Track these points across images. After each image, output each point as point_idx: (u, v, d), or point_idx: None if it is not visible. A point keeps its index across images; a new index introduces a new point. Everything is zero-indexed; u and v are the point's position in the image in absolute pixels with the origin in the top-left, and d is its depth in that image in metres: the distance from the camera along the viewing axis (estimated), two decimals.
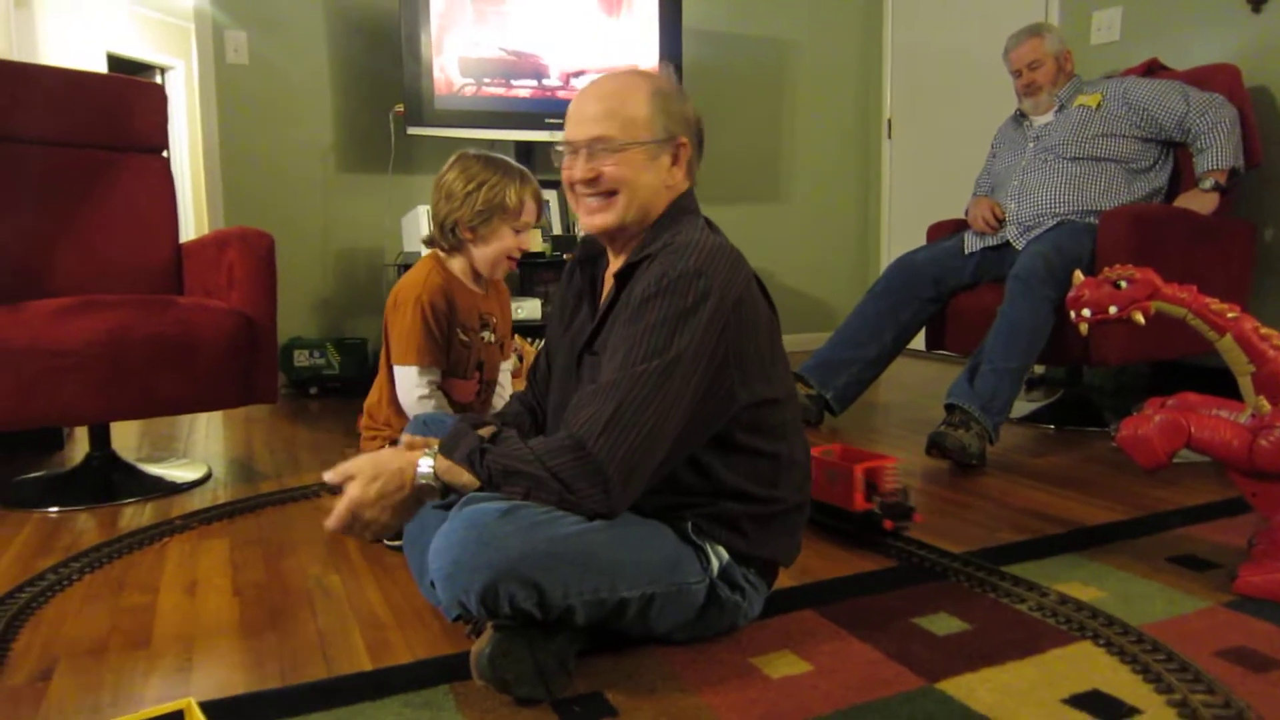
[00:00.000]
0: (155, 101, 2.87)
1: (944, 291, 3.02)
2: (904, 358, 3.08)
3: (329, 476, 1.36)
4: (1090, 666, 1.30)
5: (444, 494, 1.30)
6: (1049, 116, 2.99)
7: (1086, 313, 1.67)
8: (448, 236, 2.02)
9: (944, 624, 1.45)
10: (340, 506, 1.31)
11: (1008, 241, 2.90)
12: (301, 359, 3.92)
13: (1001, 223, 2.93)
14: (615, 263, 1.45)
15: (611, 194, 1.37)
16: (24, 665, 1.41)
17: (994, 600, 1.54)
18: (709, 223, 1.41)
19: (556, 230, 4.19)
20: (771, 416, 1.37)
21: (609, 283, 1.43)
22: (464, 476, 1.28)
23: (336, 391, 3.98)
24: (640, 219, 1.39)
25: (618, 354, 1.25)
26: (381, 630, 1.52)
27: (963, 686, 1.25)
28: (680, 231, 1.33)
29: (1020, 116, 3.10)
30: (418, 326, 1.98)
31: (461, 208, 1.97)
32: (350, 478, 1.32)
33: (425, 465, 1.30)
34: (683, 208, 1.41)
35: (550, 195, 4.24)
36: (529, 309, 3.87)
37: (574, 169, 1.38)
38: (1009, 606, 1.52)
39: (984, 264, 2.98)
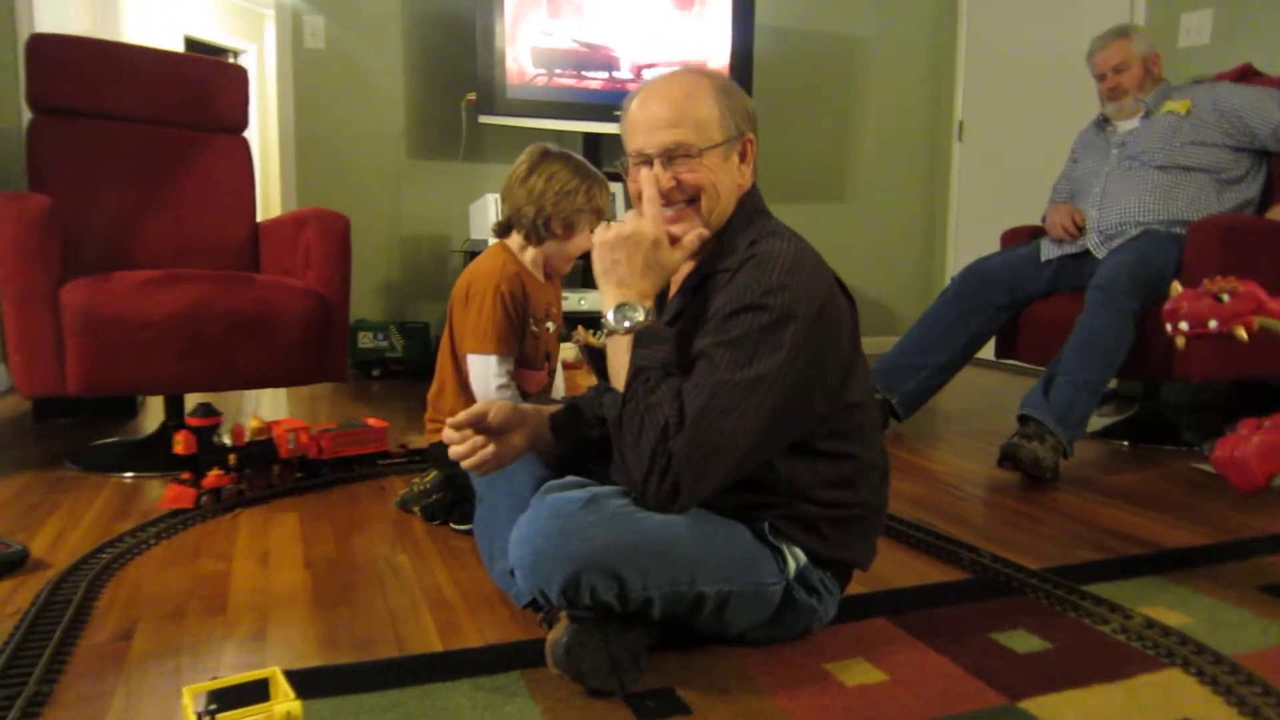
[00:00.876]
0: (238, 83, 2.92)
1: (1018, 299, 2.96)
2: (970, 366, 3.02)
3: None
4: (1181, 695, 1.25)
5: (594, 358, 1.31)
6: (1134, 122, 2.91)
7: (1184, 325, 1.61)
8: (537, 230, 1.99)
9: (1023, 641, 1.41)
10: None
11: (1087, 250, 2.83)
12: (365, 341, 3.97)
13: (1081, 230, 2.86)
14: (687, 264, 1.43)
15: (691, 201, 1.34)
16: (106, 624, 1.44)
17: (1075, 620, 1.50)
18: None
19: None
20: (850, 420, 1.34)
21: (675, 284, 1.41)
22: (622, 365, 1.26)
23: (399, 374, 4.02)
24: (719, 223, 1.37)
25: (701, 365, 1.22)
26: (451, 612, 1.52)
27: (1046, 707, 1.21)
28: (760, 240, 1.30)
29: (1103, 122, 3.02)
30: (498, 315, 1.95)
31: (561, 204, 1.96)
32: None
33: (639, 313, 1.28)
34: (753, 208, 1.38)
35: (616, 189, 4.23)
36: (592, 300, 3.86)
37: (648, 179, 1.33)
38: (1091, 627, 1.47)
39: (1061, 272, 2.91)
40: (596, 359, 1.33)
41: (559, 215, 1.96)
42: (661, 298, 1.45)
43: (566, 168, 1.97)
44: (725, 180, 1.35)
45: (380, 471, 2.39)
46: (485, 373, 1.95)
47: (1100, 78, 2.94)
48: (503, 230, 2.07)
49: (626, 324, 1.27)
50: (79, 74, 2.63)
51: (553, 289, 2.16)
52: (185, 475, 2.07)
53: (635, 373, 1.23)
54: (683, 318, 1.34)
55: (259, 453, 2.19)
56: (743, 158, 1.37)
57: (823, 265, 1.30)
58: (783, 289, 1.22)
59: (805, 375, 1.24)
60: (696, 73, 1.39)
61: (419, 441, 2.48)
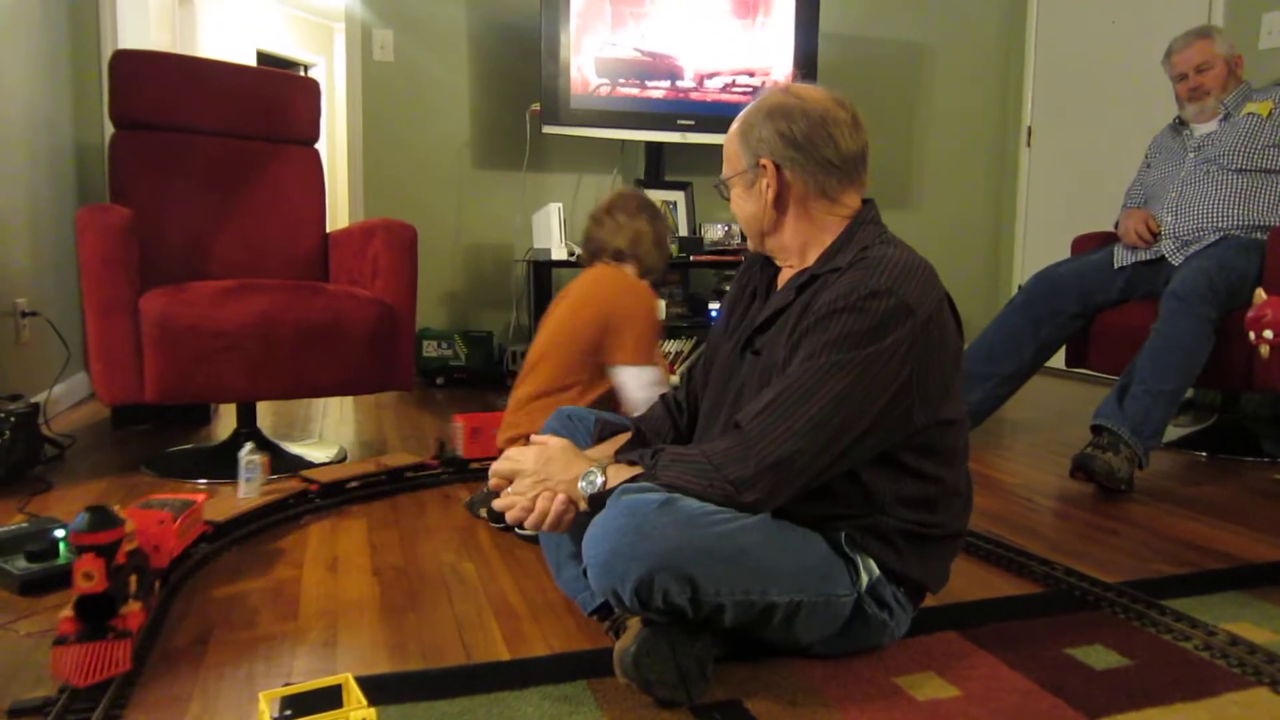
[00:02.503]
0: (311, 96, 2.98)
1: (1089, 307, 2.89)
2: (1040, 375, 2.95)
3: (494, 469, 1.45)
4: (1269, 715, 1.21)
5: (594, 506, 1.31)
6: (1212, 125, 2.82)
7: (1268, 334, 1.56)
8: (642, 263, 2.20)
9: (1101, 657, 1.38)
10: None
11: (1162, 256, 2.75)
12: (430, 349, 4.02)
13: (1156, 236, 2.78)
14: (788, 269, 1.44)
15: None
16: (182, 629, 1.48)
17: (1154, 636, 1.45)
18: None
19: (683, 231, 4.18)
20: (943, 440, 1.32)
21: (781, 280, 1.42)
22: (625, 472, 1.30)
23: (462, 382, 4.06)
24: (774, 249, 1.41)
25: (795, 359, 1.24)
26: (517, 620, 1.53)
27: None
28: (873, 245, 1.30)
29: (1179, 125, 2.93)
30: (654, 328, 2.12)
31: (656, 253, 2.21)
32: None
33: (596, 476, 1.34)
34: (863, 219, 1.37)
35: (677, 197, 4.24)
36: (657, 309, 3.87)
37: None
38: (1172, 644, 1.43)
39: (1135, 279, 2.83)
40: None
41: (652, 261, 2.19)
42: (768, 294, 1.45)
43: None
44: (748, 209, 1.41)
45: (445, 479, 2.42)
46: (645, 382, 2.06)
47: (1180, 78, 2.86)
48: (596, 255, 2.22)
49: (599, 481, 1.33)
50: (159, 89, 2.71)
51: None
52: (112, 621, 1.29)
53: (656, 464, 1.28)
54: (784, 314, 1.34)
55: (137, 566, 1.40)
56: (770, 185, 1.36)
57: (936, 280, 1.29)
58: (889, 293, 1.22)
59: (906, 382, 1.23)
60: (757, 99, 1.41)
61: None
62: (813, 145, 1.34)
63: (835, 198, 1.36)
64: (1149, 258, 2.79)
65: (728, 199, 1.44)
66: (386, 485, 2.33)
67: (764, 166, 1.36)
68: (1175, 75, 2.87)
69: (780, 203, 1.37)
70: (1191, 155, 2.81)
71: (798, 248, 1.38)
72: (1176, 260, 2.69)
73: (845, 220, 1.37)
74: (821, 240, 1.37)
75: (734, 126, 1.41)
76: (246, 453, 2.17)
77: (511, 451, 1.44)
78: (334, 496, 2.22)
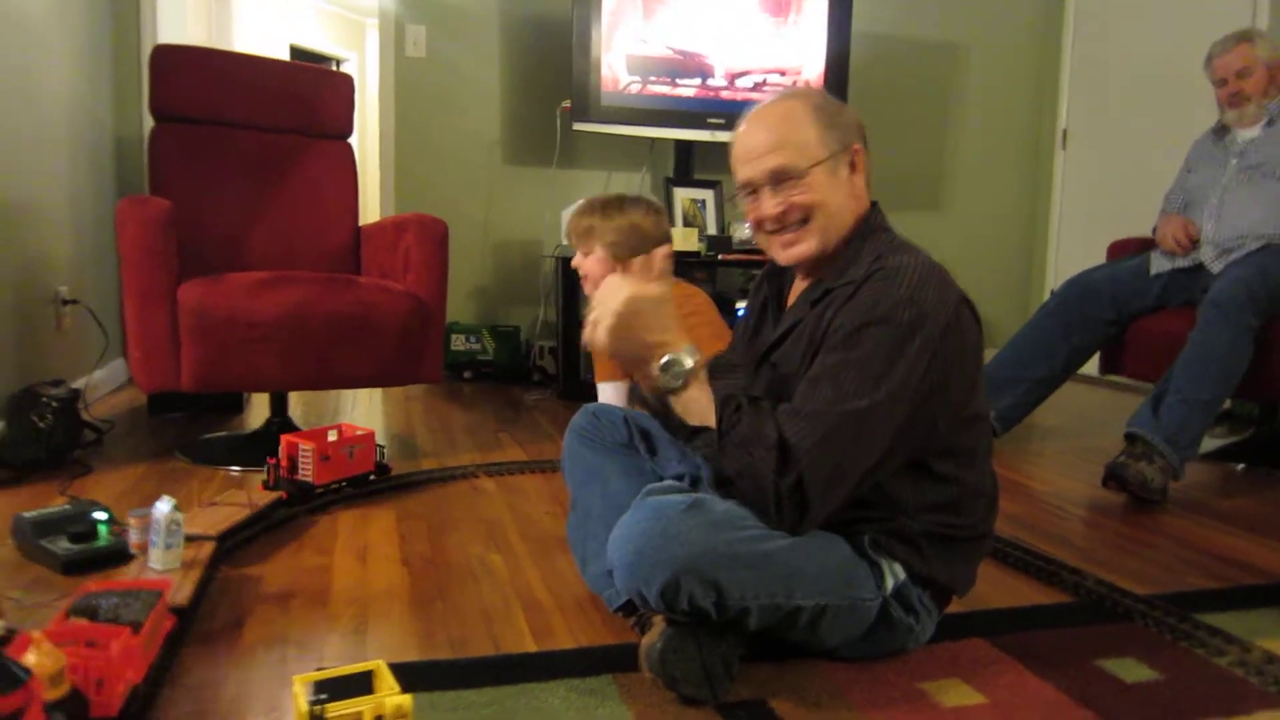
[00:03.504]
0: (344, 91, 3.01)
1: (1124, 314, 2.85)
2: (1073, 381, 2.92)
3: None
4: None
5: (661, 407, 1.29)
6: (1255, 131, 2.78)
7: None
8: None
9: (1131, 670, 1.36)
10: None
11: (1201, 264, 2.72)
12: (458, 343, 4.04)
13: (1195, 243, 2.75)
14: (802, 281, 1.42)
15: (805, 221, 1.33)
16: (219, 613, 1.50)
17: (1187, 650, 1.44)
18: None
19: (711, 230, 4.18)
20: (963, 441, 1.32)
21: (793, 297, 1.41)
22: (701, 406, 1.27)
23: (489, 377, 4.08)
24: (837, 240, 1.35)
25: (824, 383, 1.22)
26: (543, 614, 1.54)
27: None
28: (887, 254, 1.29)
29: (1221, 130, 2.89)
30: None
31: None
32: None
33: (688, 360, 1.27)
34: (875, 225, 1.37)
35: (706, 195, 4.24)
36: None
37: (761, 206, 1.35)
38: (1206, 659, 1.41)
39: (1172, 287, 2.80)
40: (650, 405, 1.32)
41: None
42: (778, 306, 1.44)
43: None
44: (837, 195, 1.34)
45: (472, 472, 2.44)
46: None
47: (1220, 83, 2.82)
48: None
49: (685, 372, 1.26)
50: (197, 83, 2.75)
51: None
52: None
53: (723, 401, 1.25)
54: (799, 329, 1.33)
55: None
56: (853, 168, 1.36)
57: (950, 281, 1.29)
58: (910, 303, 1.21)
59: (930, 392, 1.23)
60: (792, 95, 1.39)
61: None
62: (865, 134, 1.38)
63: (865, 195, 1.39)
64: (1187, 265, 2.76)
65: (738, 205, 1.37)
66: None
67: (857, 151, 1.36)
68: (1216, 80, 2.84)
69: (856, 191, 1.37)
70: (1234, 161, 2.77)
71: (835, 245, 1.36)
72: (1216, 268, 2.66)
73: (860, 220, 1.37)
74: (842, 226, 1.35)
75: (800, 116, 1.33)
76: (165, 512, 1.60)
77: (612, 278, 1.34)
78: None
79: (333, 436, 2.19)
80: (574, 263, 2.08)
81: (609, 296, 1.27)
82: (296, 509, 2.05)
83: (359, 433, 2.24)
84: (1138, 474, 2.27)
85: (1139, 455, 2.31)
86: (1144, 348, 2.83)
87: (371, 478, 2.26)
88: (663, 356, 1.26)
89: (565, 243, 2.12)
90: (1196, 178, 2.90)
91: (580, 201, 2.10)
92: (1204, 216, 2.75)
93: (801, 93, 1.40)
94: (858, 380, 1.20)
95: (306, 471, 2.11)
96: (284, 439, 2.12)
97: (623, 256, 2.02)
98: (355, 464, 2.22)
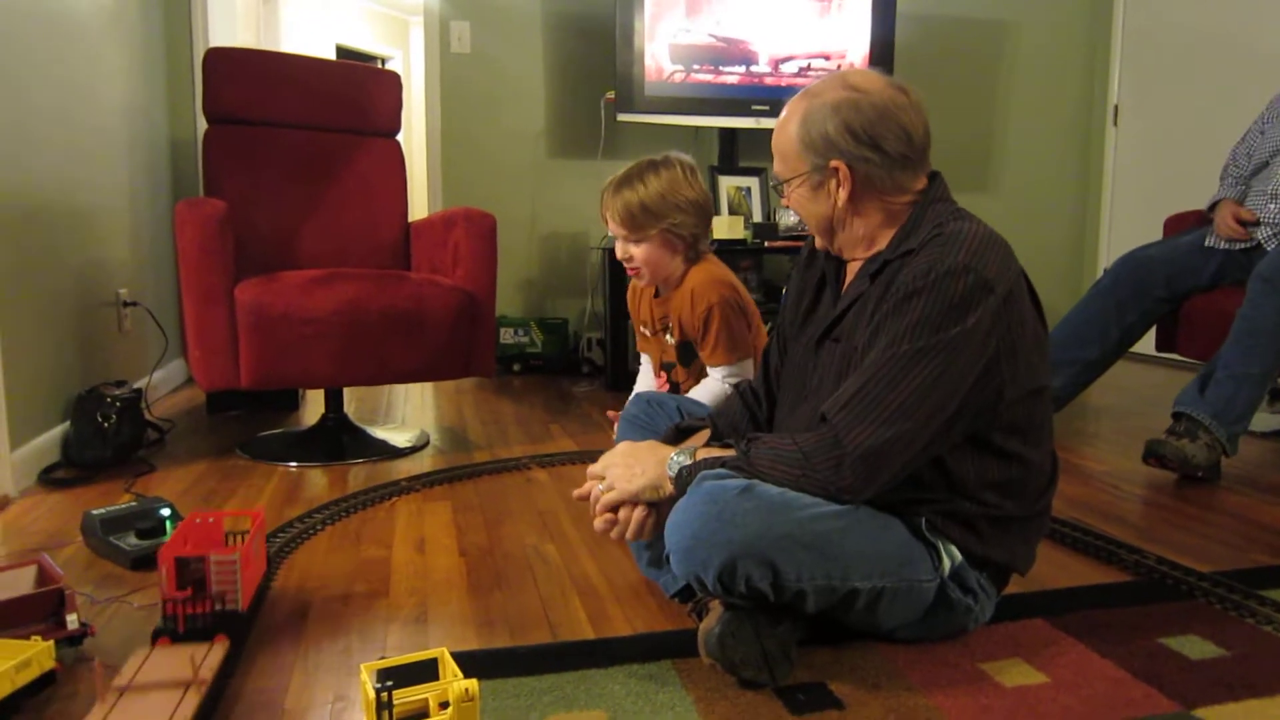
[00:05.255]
0: (392, 89, 3.05)
1: (1177, 292, 2.79)
2: (1129, 360, 2.87)
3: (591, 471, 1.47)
4: None
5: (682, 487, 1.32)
6: None
7: None
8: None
9: (1196, 647, 1.35)
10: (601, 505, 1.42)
11: (1259, 243, 2.65)
12: (507, 337, 4.08)
13: (1255, 223, 2.67)
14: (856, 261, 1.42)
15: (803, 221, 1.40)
16: (282, 605, 1.54)
17: (1254, 627, 1.42)
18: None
19: (756, 218, 4.16)
20: (1030, 417, 1.30)
21: (852, 270, 1.40)
22: (716, 454, 1.32)
23: (538, 369, 4.12)
24: (843, 246, 1.38)
25: (877, 345, 1.23)
26: (600, 601, 1.55)
27: (1225, 717, 1.15)
28: (946, 222, 1.27)
29: None
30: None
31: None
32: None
33: (682, 457, 1.35)
34: (932, 197, 1.34)
35: (752, 183, 4.22)
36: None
37: None
38: (1273, 635, 1.39)
39: (1228, 265, 2.73)
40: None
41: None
42: (837, 282, 1.43)
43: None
44: (815, 210, 1.35)
45: (524, 464, 2.46)
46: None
47: None
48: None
49: (686, 463, 1.34)
50: (249, 85, 2.80)
51: (667, 304, 2.12)
52: None
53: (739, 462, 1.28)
54: (860, 301, 1.33)
55: None
56: (844, 186, 1.31)
57: (1011, 253, 1.27)
58: (967, 270, 1.20)
59: (995, 354, 1.21)
60: (802, 96, 1.34)
61: None
62: (885, 140, 1.28)
63: (908, 186, 1.33)
64: (1246, 245, 2.69)
65: (783, 195, 1.39)
66: (465, 470, 2.38)
67: (835, 169, 1.30)
68: None
69: (854, 201, 1.32)
70: None
71: (867, 239, 1.35)
72: (1272, 245, 2.59)
73: (914, 203, 1.34)
74: (892, 227, 1.34)
75: (790, 124, 1.33)
76: None
77: (605, 456, 1.45)
78: None
79: (227, 527, 1.57)
80: (620, 253, 2.03)
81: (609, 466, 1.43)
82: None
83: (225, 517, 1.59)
84: (1177, 451, 2.24)
85: (1181, 433, 2.27)
86: (1198, 325, 2.76)
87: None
88: (670, 471, 1.35)
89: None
90: (1267, 144, 2.80)
91: (620, 175, 2.00)
92: (1266, 197, 2.67)
93: (811, 93, 1.33)
94: (907, 339, 1.20)
95: (229, 592, 1.36)
96: (166, 557, 1.32)
97: (691, 233, 1.98)
98: (261, 557, 1.59)
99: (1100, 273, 4.80)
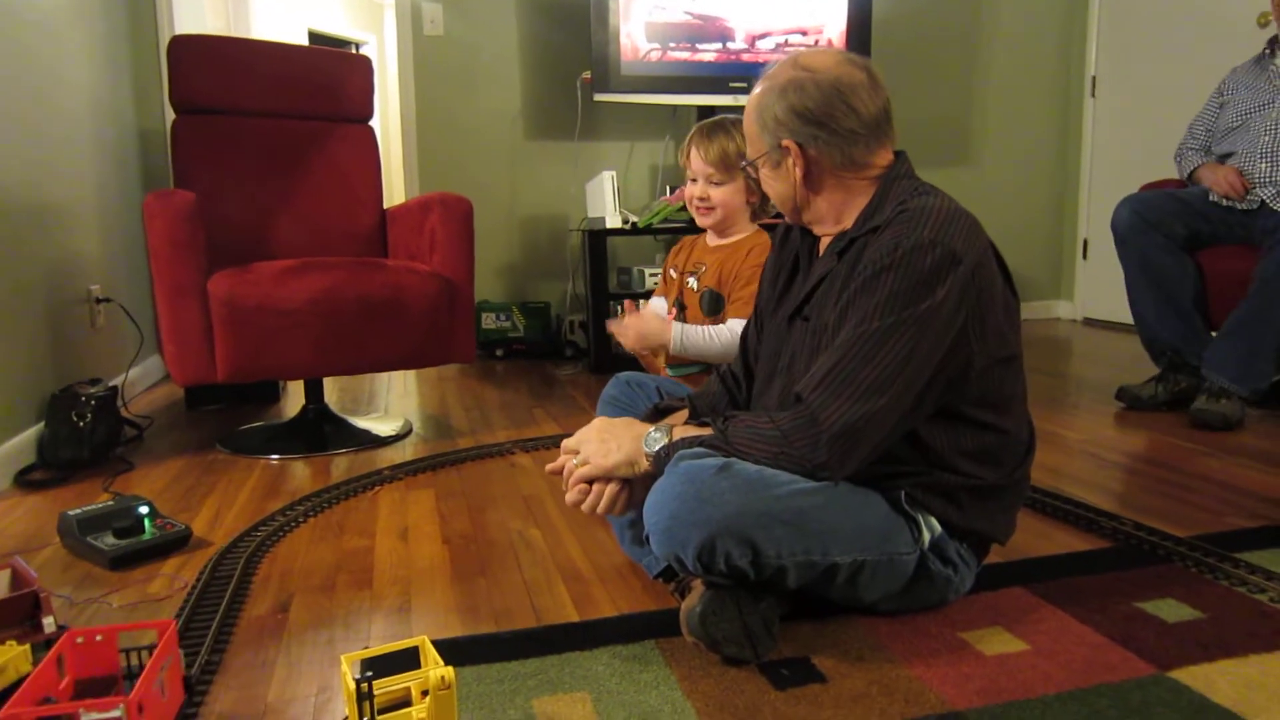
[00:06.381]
0: (364, 74, 3.01)
1: (1192, 233, 2.76)
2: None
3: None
4: None
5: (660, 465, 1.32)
6: None
7: None
8: None
9: (1173, 610, 1.36)
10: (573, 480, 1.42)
11: (1261, 203, 2.65)
12: (488, 322, 4.06)
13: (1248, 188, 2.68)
14: (827, 236, 1.42)
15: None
16: (264, 597, 1.53)
17: (1228, 589, 1.43)
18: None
19: None
20: (1001, 387, 1.31)
21: (821, 247, 1.41)
22: (693, 432, 1.33)
23: (521, 354, 4.11)
24: (814, 219, 1.40)
25: (849, 322, 1.23)
26: (584, 584, 1.56)
27: (1200, 677, 1.16)
28: (910, 199, 1.28)
29: (1265, 59, 2.78)
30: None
31: None
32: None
33: (659, 434, 1.35)
34: (895, 174, 1.35)
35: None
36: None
37: None
38: (1246, 596, 1.40)
39: (1231, 220, 2.72)
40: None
41: None
42: (810, 259, 1.44)
43: None
44: (778, 188, 1.40)
45: (509, 449, 2.46)
46: None
47: None
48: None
49: (664, 440, 1.34)
50: (217, 73, 2.77)
51: (716, 252, 2.16)
52: None
53: (727, 432, 1.29)
54: (828, 279, 1.34)
55: None
56: (797, 164, 1.34)
57: (978, 227, 1.28)
58: (933, 245, 1.20)
59: (962, 327, 1.22)
60: (760, 80, 1.37)
61: None
62: (832, 118, 1.30)
63: (866, 162, 1.34)
64: (1246, 208, 2.69)
65: (756, 178, 1.43)
66: (451, 456, 2.38)
67: (786, 148, 1.34)
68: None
69: (810, 179, 1.36)
70: None
71: (833, 215, 1.38)
72: (1278, 205, 2.60)
73: (878, 179, 1.35)
74: (857, 203, 1.35)
75: (749, 108, 1.38)
76: None
77: (581, 431, 1.46)
78: None
79: (122, 644, 1.20)
80: (699, 191, 2.06)
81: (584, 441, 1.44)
82: None
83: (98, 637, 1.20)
84: (1218, 415, 2.44)
85: (1216, 393, 2.49)
86: (1213, 289, 2.77)
87: None
88: (646, 447, 1.35)
89: (683, 164, 2.10)
90: (1232, 113, 2.81)
91: (712, 121, 2.06)
92: (1257, 157, 2.67)
93: (764, 79, 1.37)
94: (876, 316, 1.20)
95: None
96: (22, 702, 1.03)
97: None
98: (175, 685, 1.17)
99: (1081, 244, 4.82)
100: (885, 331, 1.19)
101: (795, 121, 1.31)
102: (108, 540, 1.71)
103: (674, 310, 2.20)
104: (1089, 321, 4.77)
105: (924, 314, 1.19)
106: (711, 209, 2.07)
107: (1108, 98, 4.63)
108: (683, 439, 1.30)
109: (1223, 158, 2.82)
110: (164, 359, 2.43)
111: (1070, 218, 4.92)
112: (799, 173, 1.34)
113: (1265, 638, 1.27)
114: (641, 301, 2.24)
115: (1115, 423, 2.61)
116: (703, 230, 2.16)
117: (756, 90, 1.37)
